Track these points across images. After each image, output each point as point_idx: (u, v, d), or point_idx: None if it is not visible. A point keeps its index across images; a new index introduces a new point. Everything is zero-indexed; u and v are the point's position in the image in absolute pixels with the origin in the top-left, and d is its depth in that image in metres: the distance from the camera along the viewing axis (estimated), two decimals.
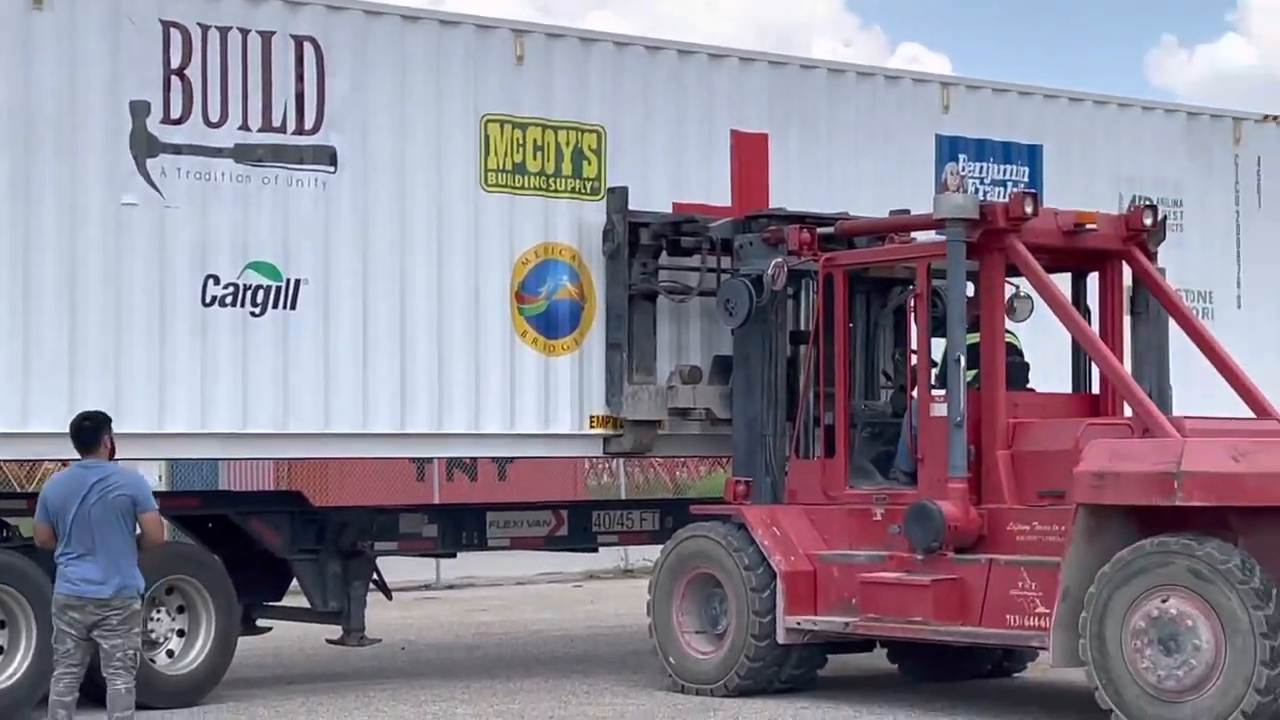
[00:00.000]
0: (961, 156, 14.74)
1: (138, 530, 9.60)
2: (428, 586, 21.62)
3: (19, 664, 11.45)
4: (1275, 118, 16.54)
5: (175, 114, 11.78)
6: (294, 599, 13.68)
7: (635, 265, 13.18)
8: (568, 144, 13.21)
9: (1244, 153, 16.27)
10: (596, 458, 14.14)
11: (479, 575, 22.29)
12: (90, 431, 9.69)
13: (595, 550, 15.73)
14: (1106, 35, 69.65)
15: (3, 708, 11.28)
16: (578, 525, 14.38)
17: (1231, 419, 11.57)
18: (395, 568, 14.83)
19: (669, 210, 13.38)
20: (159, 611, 12.11)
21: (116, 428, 9.74)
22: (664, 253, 13.34)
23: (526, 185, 13.05)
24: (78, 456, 9.77)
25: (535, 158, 13.08)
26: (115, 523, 9.48)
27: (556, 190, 13.17)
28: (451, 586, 21.91)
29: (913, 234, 12.69)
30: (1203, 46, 76.03)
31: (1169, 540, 10.36)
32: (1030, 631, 11.05)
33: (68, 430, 9.80)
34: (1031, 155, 15.18)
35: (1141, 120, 15.85)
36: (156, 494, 12.36)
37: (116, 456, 9.79)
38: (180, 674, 12.13)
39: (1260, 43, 71.48)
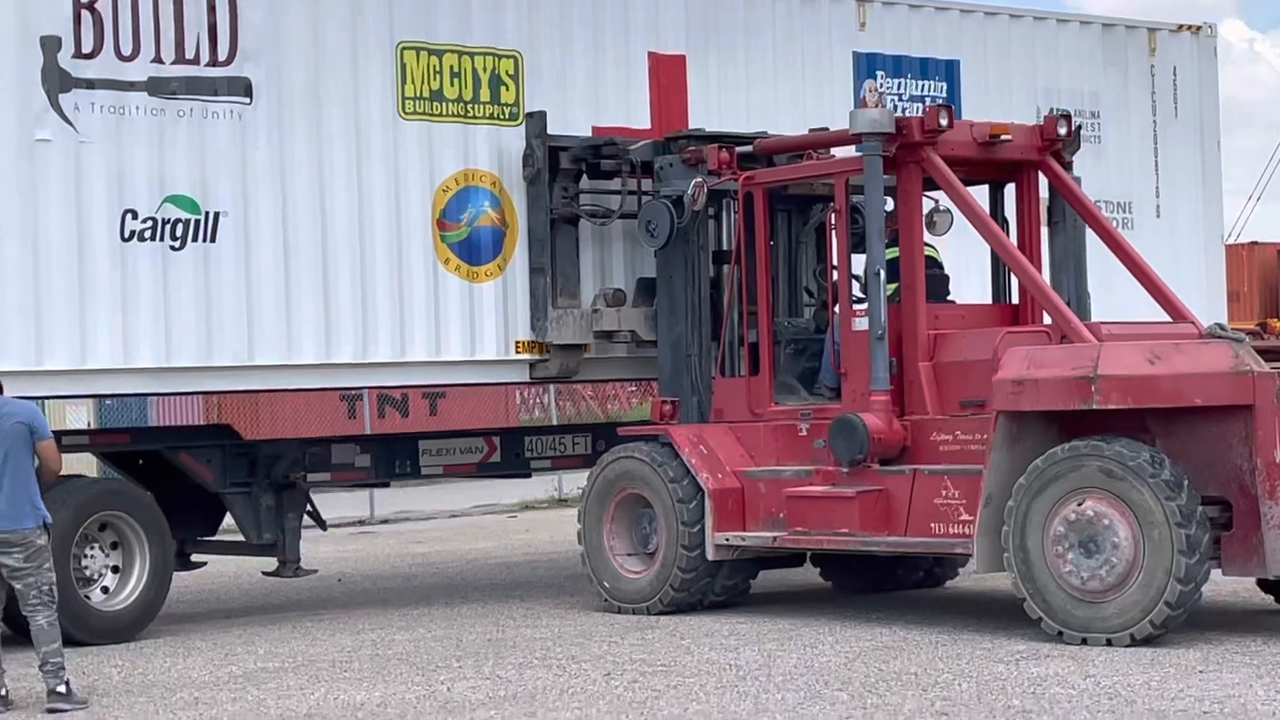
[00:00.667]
0: (879, 73, 14.79)
1: (36, 462, 9.59)
2: (362, 522, 21.62)
3: None
4: (1190, 28, 16.63)
5: (87, 48, 11.69)
6: (229, 533, 13.70)
7: (556, 190, 13.18)
8: (485, 70, 13.18)
9: (1160, 63, 16.36)
10: (528, 390, 14.16)
11: (414, 509, 22.30)
12: None
13: (528, 476, 15.76)
14: None
15: None
16: (510, 451, 14.46)
17: (1149, 323, 11.68)
18: (330, 503, 14.87)
19: (588, 134, 13.37)
20: (92, 548, 12.11)
21: (39, 365, 9.71)
22: (584, 176, 13.36)
23: (445, 112, 13.03)
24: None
25: (453, 84, 13.05)
26: (14, 453, 9.50)
27: (475, 117, 13.15)
28: (386, 521, 21.91)
29: (831, 150, 12.75)
30: None
31: (1079, 444, 10.50)
32: (955, 539, 11.18)
33: None
34: (949, 70, 15.24)
35: (1057, 32, 15.92)
36: (85, 432, 12.39)
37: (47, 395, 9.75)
38: (116, 610, 12.14)
39: None
